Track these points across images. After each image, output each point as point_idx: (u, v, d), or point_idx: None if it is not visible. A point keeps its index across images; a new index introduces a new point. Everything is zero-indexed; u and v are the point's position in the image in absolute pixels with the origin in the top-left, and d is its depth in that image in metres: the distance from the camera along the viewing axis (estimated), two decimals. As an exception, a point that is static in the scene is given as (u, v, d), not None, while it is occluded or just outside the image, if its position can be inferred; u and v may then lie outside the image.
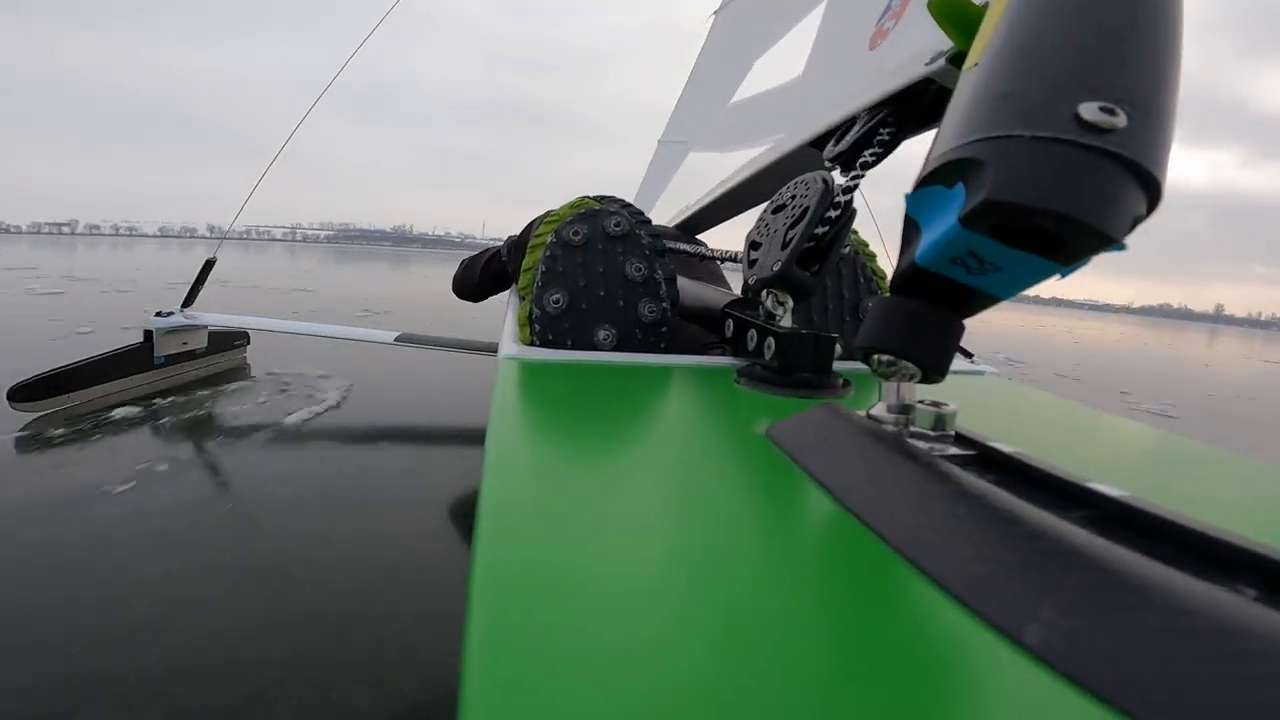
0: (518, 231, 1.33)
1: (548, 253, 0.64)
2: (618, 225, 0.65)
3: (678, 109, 2.35)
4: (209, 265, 2.13)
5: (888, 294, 0.30)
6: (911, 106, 0.57)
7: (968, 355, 0.84)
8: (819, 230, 0.53)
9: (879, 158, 0.57)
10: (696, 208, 1.39)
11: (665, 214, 1.63)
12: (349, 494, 1.20)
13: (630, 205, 0.68)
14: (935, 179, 0.25)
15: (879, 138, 0.57)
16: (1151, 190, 0.22)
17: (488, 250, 1.55)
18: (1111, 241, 0.22)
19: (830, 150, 0.62)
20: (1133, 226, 0.23)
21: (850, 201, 0.54)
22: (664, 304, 0.65)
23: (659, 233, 0.69)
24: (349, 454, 1.47)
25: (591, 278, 0.64)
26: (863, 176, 0.56)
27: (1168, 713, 0.13)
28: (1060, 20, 0.26)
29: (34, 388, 1.52)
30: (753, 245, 0.60)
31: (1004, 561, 0.19)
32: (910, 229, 0.28)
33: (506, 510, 0.25)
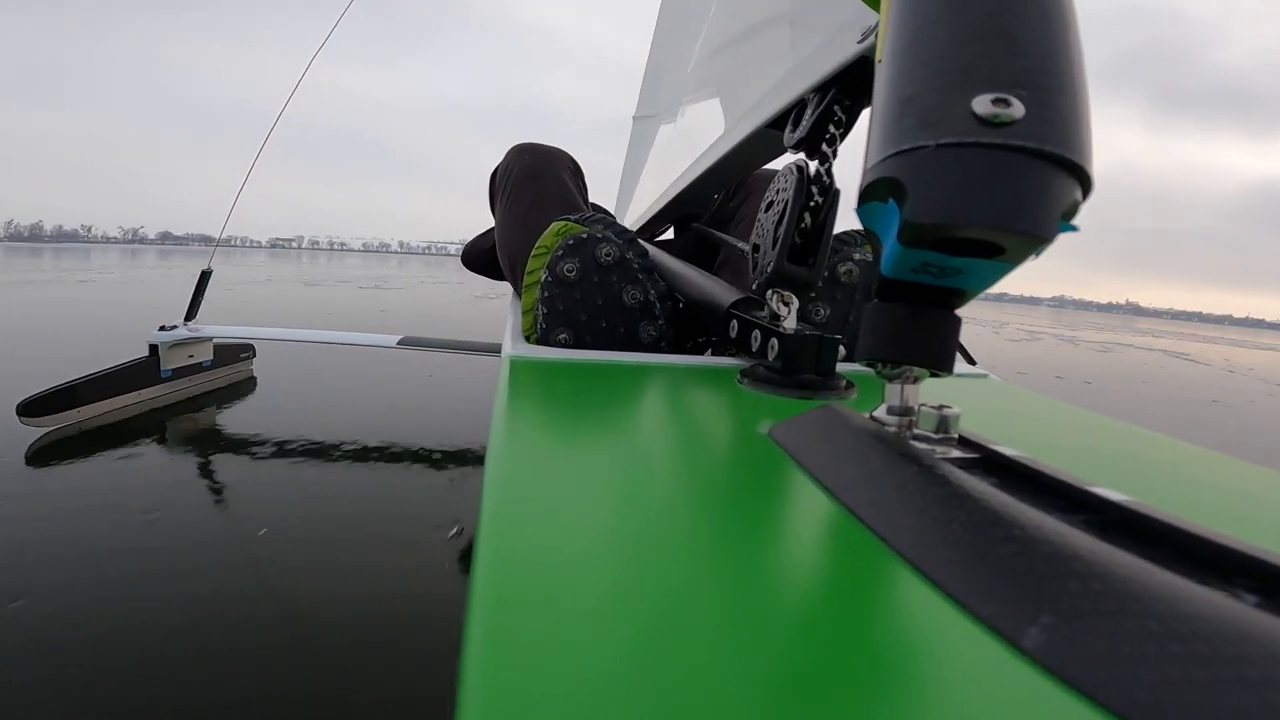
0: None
1: (545, 293, 0.64)
2: (608, 255, 0.65)
3: (645, 82, 2.29)
4: (205, 277, 2.14)
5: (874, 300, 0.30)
6: (857, 80, 0.57)
7: (970, 361, 0.83)
8: (805, 221, 0.53)
9: (841, 136, 0.57)
10: (657, 208, 1.36)
11: (653, 190, 1.59)
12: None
13: (615, 223, 0.68)
14: (871, 195, 0.25)
15: (835, 116, 0.57)
16: (1077, 173, 0.22)
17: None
18: (1045, 241, 0.21)
19: (790, 137, 0.62)
20: (1072, 213, 0.22)
21: (830, 185, 0.55)
22: (660, 322, 0.66)
23: (650, 248, 0.69)
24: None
25: (592, 312, 0.64)
26: (832, 158, 0.56)
27: (1164, 718, 0.13)
28: (939, 5, 0.25)
29: (43, 403, 1.54)
30: (755, 249, 0.60)
31: (1005, 565, 0.19)
32: (873, 239, 0.28)
33: (508, 508, 0.25)
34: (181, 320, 1.98)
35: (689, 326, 0.73)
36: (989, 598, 0.18)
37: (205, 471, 1.39)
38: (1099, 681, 0.14)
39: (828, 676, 0.15)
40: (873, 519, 0.24)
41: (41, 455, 1.41)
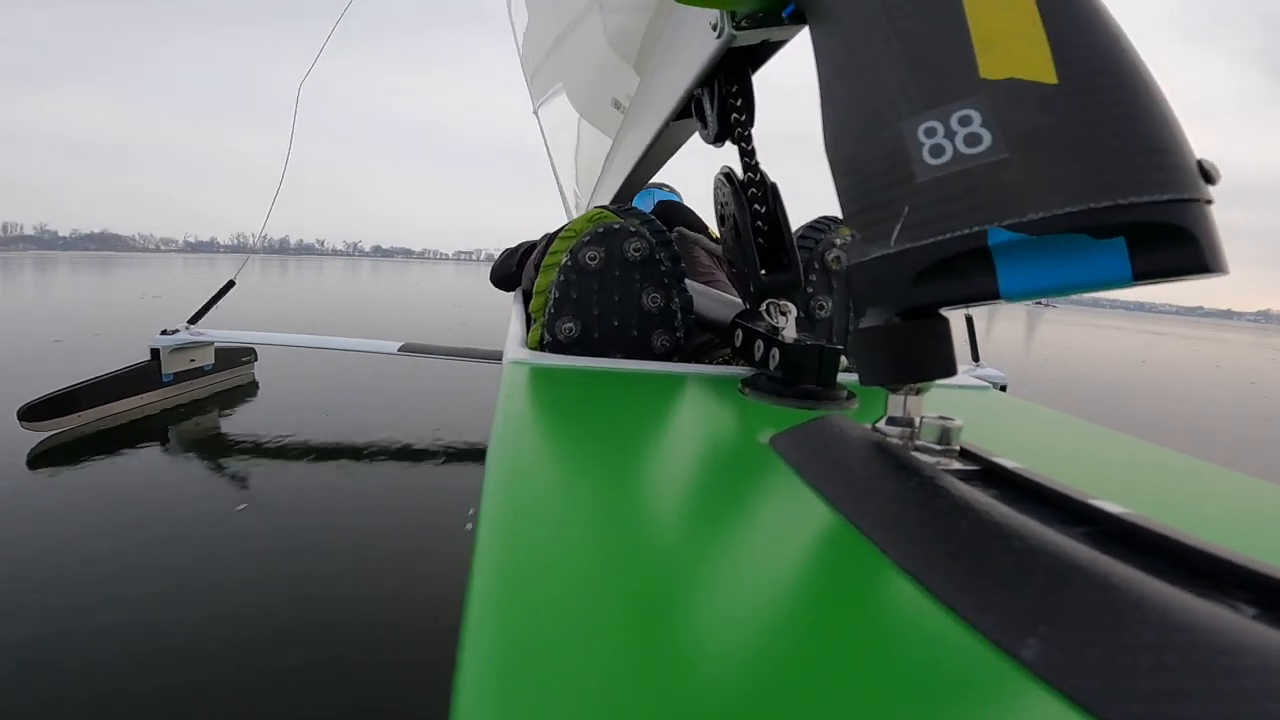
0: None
1: (561, 277, 0.62)
2: (637, 250, 0.61)
3: (525, 75, 2.27)
4: (228, 286, 2.15)
5: (877, 322, 0.30)
6: (733, 62, 0.58)
7: (975, 358, 0.84)
8: (760, 225, 0.55)
9: (748, 118, 0.58)
10: (600, 199, 1.39)
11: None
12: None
13: (652, 220, 0.64)
14: (1077, 228, 0.25)
15: (732, 102, 0.58)
16: None
17: (524, 245, 1.56)
18: None
19: (706, 135, 0.63)
20: None
21: (762, 180, 0.56)
22: (678, 334, 0.64)
23: (683, 246, 0.68)
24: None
25: (606, 307, 0.62)
26: (752, 147, 0.57)
27: None
28: (1122, 50, 0.26)
29: (44, 407, 1.54)
30: (731, 266, 0.61)
31: (1003, 576, 0.19)
32: (967, 261, 0.27)
33: (506, 514, 0.25)
34: (184, 324, 1.99)
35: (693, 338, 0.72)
36: (988, 608, 0.18)
37: (196, 476, 1.39)
38: (1096, 692, 0.15)
39: (826, 685, 0.15)
40: (872, 529, 0.24)
41: (42, 459, 1.41)
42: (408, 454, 1.61)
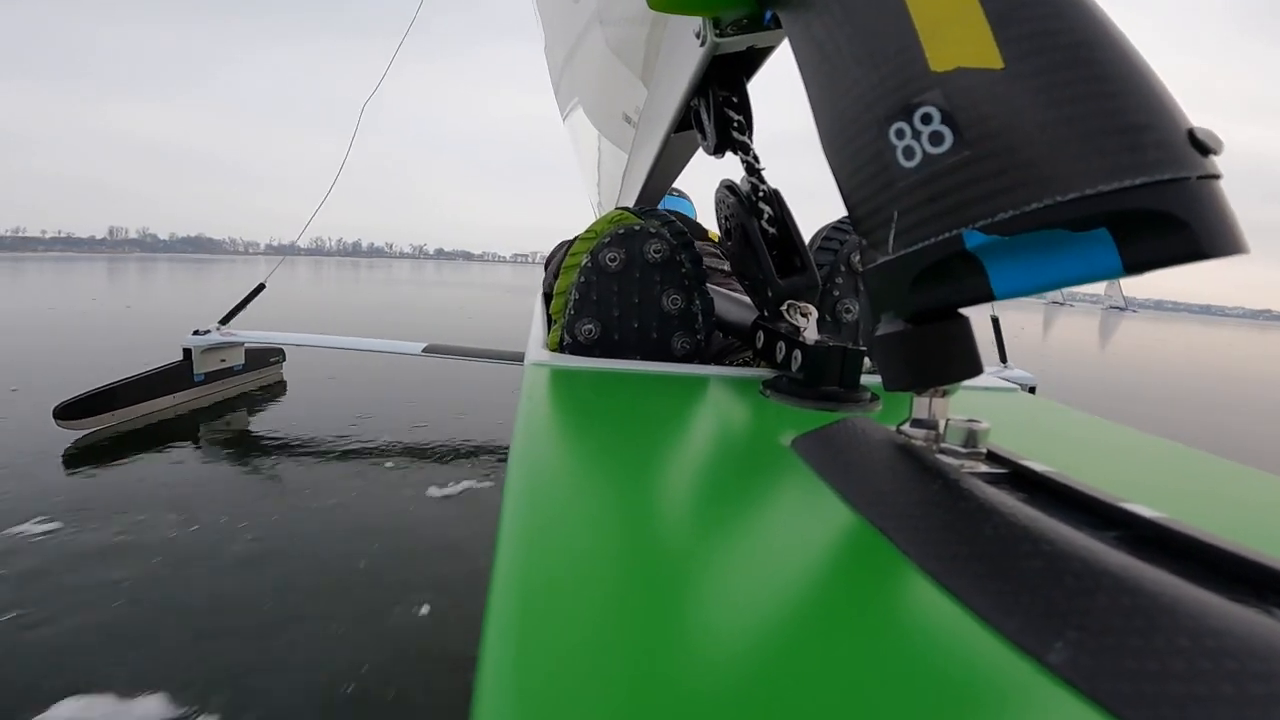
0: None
1: (581, 278, 0.61)
2: (657, 252, 0.61)
3: (553, 85, 2.26)
4: (259, 289, 2.21)
5: (892, 328, 0.29)
6: (721, 72, 0.58)
7: (1003, 359, 0.83)
8: (769, 233, 0.55)
9: (746, 125, 0.59)
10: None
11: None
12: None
13: (673, 222, 0.64)
14: (1050, 223, 0.23)
15: (728, 110, 0.59)
16: None
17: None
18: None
19: (707, 147, 0.63)
20: None
21: (765, 188, 0.56)
22: (699, 337, 0.63)
23: (704, 253, 0.68)
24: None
25: (626, 309, 0.62)
26: (754, 155, 0.58)
27: None
28: (1078, 20, 0.24)
29: (79, 406, 1.58)
30: (741, 277, 0.61)
31: (1031, 580, 0.19)
32: (956, 264, 0.26)
33: (528, 515, 0.26)
34: (216, 324, 2.03)
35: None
36: (1013, 612, 0.18)
37: (232, 473, 1.42)
38: (1125, 697, 0.14)
39: (850, 689, 0.15)
40: (895, 532, 0.24)
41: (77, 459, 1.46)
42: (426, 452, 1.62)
